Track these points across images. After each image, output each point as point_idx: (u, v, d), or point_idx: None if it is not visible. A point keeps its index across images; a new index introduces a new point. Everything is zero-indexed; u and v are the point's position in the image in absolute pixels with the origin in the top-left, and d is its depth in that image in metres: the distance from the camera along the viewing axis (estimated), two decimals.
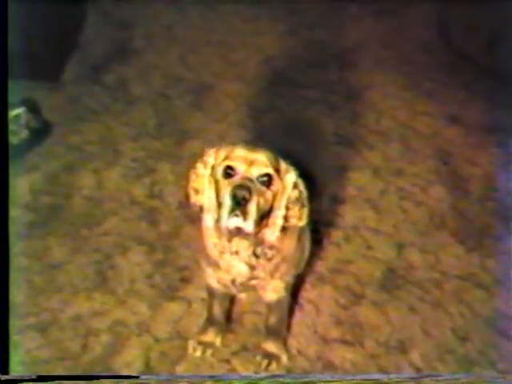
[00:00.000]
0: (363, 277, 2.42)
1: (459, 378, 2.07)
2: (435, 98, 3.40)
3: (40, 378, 1.98)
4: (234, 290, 1.96)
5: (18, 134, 2.83)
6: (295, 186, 1.74)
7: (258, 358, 2.10)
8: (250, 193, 1.60)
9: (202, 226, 1.81)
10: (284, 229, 1.77)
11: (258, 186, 1.64)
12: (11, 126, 2.76)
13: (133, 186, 2.78)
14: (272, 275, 1.88)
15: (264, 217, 1.70)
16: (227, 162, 1.66)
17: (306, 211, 1.76)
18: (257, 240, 1.75)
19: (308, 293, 2.34)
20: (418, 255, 2.53)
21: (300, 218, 1.76)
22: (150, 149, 2.98)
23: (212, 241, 1.80)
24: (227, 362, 2.11)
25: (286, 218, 1.74)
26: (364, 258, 2.51)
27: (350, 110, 3.29)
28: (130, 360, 2.10)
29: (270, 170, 1.67)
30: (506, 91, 3.33)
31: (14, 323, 2.07)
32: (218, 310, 2.12)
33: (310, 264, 2.28)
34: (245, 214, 1.61)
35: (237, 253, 1.78)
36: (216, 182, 1.69)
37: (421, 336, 2.23)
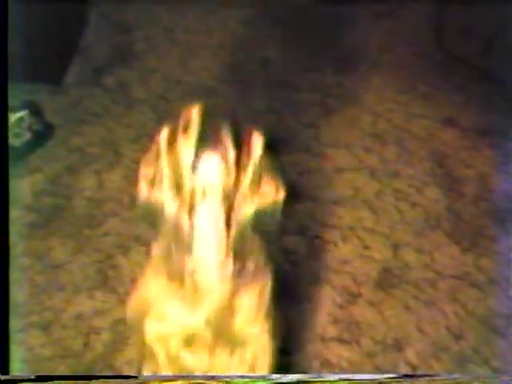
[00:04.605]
0: (359, 276, 2.45)
1: (454, 378, 2.10)
2: (431, 100, 3.41)
3: (39, 378, 2.00)
4: None
5: (20, 137, 2.84)
6: None
7: None
8: None
9: None
10: None
11: None
12: (14, 129, 2.78)
13: (134, 187, 2.79)
14: None
15: None
16: None
17: None
18: None
19: (305, 292, 2.37)
20: (414, 255, 2.56)
21: None
22: None
23: None
24: None
25: None
26: (360, 257, 2.53)
27: (346, 113, 3.31)
28: (131, 358, 2.12)
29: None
30: (502, 94, 3.35)
31: (17, 322, 2.09)
32: None
33: (307, 264, 2.31)
34: None
35: None
36: None
37: (416, 334, 2.26)
